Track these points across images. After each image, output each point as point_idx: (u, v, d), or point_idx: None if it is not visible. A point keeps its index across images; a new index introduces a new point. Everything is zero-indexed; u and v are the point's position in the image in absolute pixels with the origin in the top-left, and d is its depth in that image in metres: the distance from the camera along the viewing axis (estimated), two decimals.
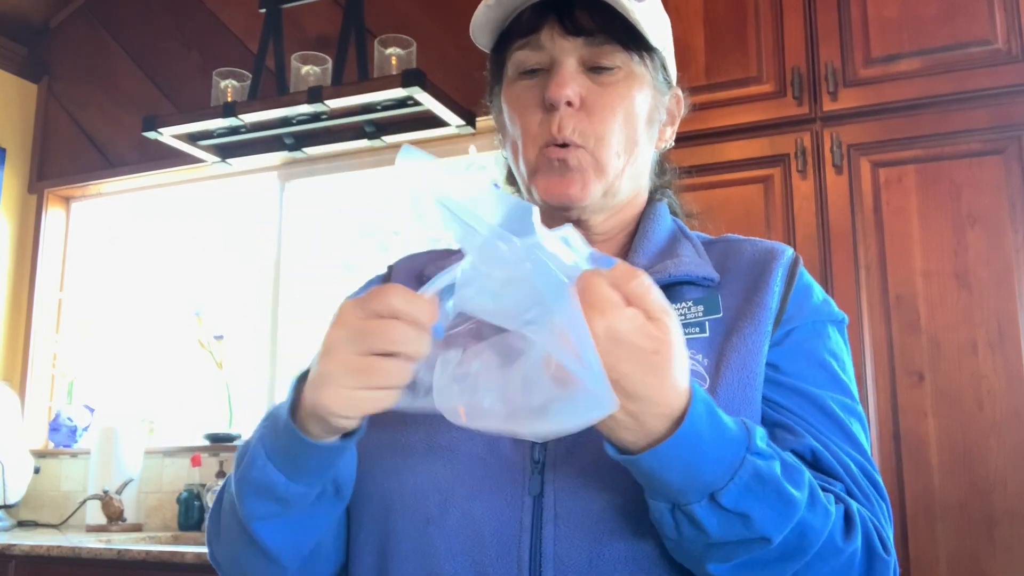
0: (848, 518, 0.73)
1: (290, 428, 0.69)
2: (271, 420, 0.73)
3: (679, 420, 0.63)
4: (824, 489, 0.73)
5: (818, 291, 0.87)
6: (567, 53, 0.85)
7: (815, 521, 0.69)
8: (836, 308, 0.88)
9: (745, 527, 0.65)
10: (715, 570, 0.69)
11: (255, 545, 0.76)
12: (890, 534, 0.78)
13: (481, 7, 0.86)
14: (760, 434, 0.67)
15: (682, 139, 1.00)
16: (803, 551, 0.68)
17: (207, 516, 0.99)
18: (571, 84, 0.83)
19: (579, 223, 0.89)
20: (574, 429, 0.59)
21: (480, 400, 0.61)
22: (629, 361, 0.59)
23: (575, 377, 0.57)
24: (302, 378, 0.70)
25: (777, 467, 0.67)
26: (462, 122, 2.85)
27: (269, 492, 0.73)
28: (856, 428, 0.81)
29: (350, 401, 0.64)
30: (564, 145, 0.84)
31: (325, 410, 0.65)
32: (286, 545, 0.77)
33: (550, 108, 0.84)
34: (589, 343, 0.57)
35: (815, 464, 0.76)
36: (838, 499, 0.73)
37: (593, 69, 0.85)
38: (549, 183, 0.85)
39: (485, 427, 0.61)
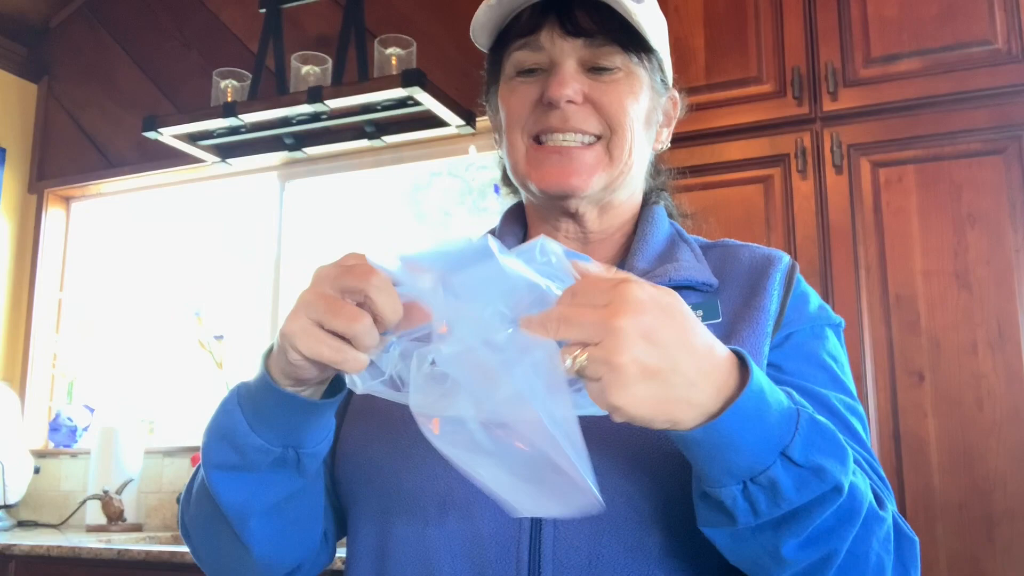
0: (874, 491, 0.72)
1: (261, 374, 0.70)
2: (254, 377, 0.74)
3: (739, 374, 0.61)
4: None
5: (815, 297, 0.88)
6: (567, 54, 0.84)
7: (857, 481, 0.67)
8: (833, 313, 0.88)
9: (820, 479, 0.63)
10: (789, 550, 0.65)
11: (211, 499, 0.76)
12: None
13: (483, 7, 0.86)
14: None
15: (682, 139, 1.01)
16: (856, 512, 0.66)
17: None
18: (572, 84, 0.83)
19: (575, 217, 0.89)
20: (544, 515, 0.57)
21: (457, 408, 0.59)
22: (654, 315, 0.57)
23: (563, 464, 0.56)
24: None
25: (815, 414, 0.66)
26: (462, 122, 2.85)
27: (230, 438, 0.73)
28: (859, 427, 0.82)
29: (311, 336, 0.63)
30: (568, 138, 0.84)
31: (286, 337, 0.65)
32: (234, 501, 0.76)
33: (549, 106, 0.84)
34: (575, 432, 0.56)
35: None
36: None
37: (592, 70, 0.85)
38: (546, 172, 0.85)
39: (448, 452, 0.60)
